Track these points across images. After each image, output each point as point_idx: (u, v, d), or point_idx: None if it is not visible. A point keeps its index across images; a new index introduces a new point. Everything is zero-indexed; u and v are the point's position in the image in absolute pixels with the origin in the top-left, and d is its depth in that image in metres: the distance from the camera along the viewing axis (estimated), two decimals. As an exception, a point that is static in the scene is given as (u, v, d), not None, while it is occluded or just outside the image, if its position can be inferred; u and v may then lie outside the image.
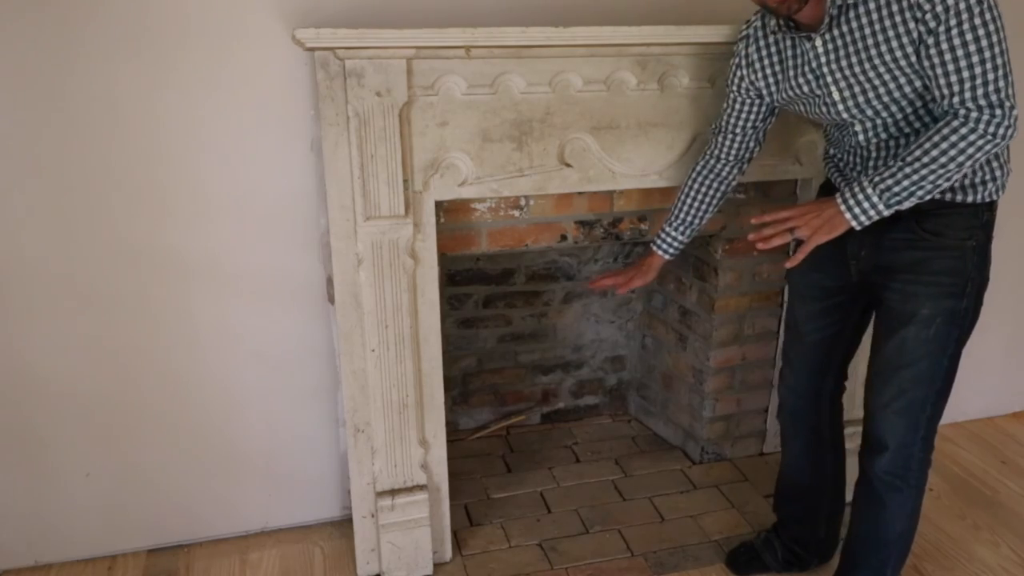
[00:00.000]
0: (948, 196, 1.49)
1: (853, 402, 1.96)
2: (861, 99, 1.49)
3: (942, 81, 1.36)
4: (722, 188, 1.81)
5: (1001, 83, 1.34)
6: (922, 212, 1.50)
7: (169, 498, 2.03)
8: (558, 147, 1.84)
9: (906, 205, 1.42)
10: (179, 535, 2.08)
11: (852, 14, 1.44)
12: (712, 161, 1.80)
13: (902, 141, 1.50)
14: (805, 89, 1.57)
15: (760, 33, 1.65)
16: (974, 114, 1.35)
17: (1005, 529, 2.20)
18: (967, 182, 1.49)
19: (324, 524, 2.17)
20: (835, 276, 1.69)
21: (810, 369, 1.82)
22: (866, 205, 1.43)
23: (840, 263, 1.65)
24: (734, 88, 1.72)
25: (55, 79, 1.66)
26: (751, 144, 1.77)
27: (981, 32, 1.32)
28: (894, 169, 1.40)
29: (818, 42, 1.51)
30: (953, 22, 1.32)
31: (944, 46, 1.34)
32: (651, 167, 1.92)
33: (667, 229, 1.86)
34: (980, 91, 1.34)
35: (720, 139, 1.78)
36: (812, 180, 2.06)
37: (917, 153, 1.39)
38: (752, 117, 1.73)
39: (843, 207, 1.45)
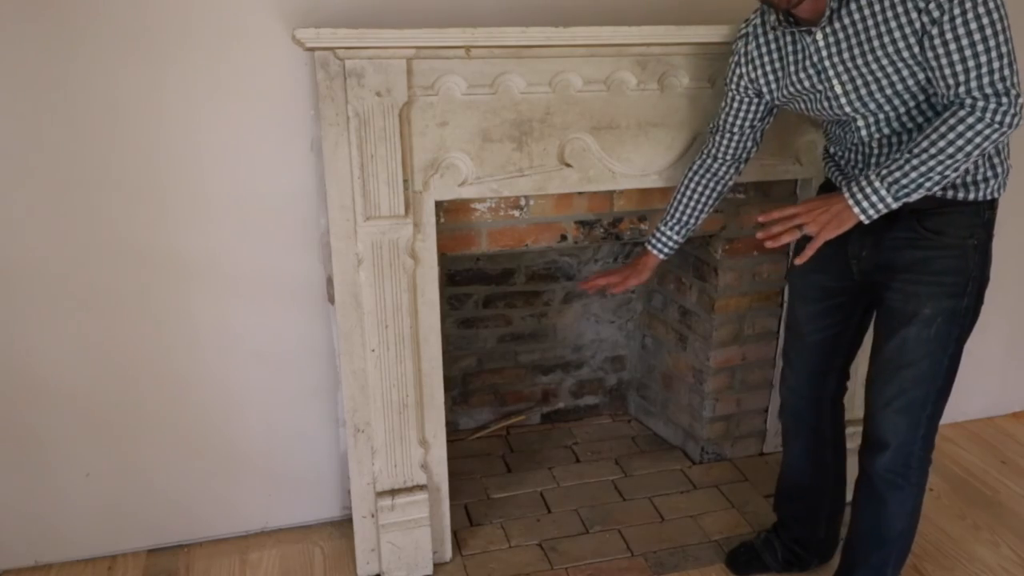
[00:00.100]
0: (949, 194, 1.49)
1: (853, 402, 1.96)
2: (863, 92, 1.48)
3: (947, 71, 1.36)
4: (718, 188, 1.81)
5: (1007, 71, 1.34)
6: (923, 211, 1.50)
7: (169, 498, 2.03)
8: (558, 147, 1.84)
9: (914, 197, 1.41)
10: (179, 535, 2.08)
11: (853, 6, 1.44)
12: (709, 160, 1.80)
13: (904, 137, 1.50)
14: (807, 84, 1.57)
15: (760, 30, 1.65)
16: (980, 103, 1.35)
17: (1005, 529, 2.20)
18: (968, 179, 1.49)
19: (324, 524, 2.17)
20: (836, 276, 1.69)
21: (812, 370, 1.82)
22: (874, 198, 1.42)
23: (841, 263, 1.65)
24: (732, 86, 1.72)
25: (55, 79, 1.66)
26: (748, 144, 1.77)
27: (985, 20, 1.32)
28: (901, 161, 1.40)
29: (819, 36, 1.50)
30: (957, 11, 1.32)
31: (948, 36, 1.34)
32: (651, 167, 1.92)
33: (662, 228, 1.85)
34: (986, 80, 1.34)
35: (717, 138, 1.77)
36: (812, 180, 2.06)
37: (924, 144, 1.38)
38: (750, 116, 1.72)
39: (851, 201, 1.44)
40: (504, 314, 2.57)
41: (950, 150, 1.36)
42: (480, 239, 1.94)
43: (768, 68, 1.64)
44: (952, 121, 1.36)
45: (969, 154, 1.37)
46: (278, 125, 1.81)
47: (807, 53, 1.54)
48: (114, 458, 1.96)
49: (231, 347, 1.95)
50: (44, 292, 1.80)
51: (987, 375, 2.68)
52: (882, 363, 1.62)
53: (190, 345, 1.92)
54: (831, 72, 1.51)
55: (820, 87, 1.54)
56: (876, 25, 1.42)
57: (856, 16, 1.44)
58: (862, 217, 1.44)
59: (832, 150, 1.67)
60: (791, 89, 1.61)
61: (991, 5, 1.32)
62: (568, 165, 1.85)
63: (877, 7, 1.41)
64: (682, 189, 1.83)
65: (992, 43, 1.33)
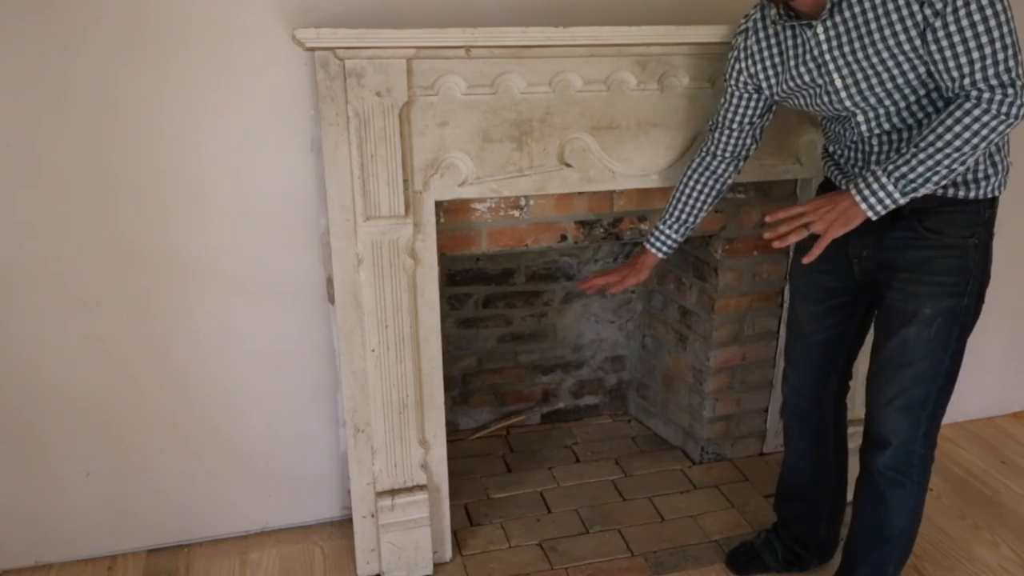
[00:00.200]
0: (950, 192, 1.49)
1: (855, 401, 1.96)
2: (864, 86, 1.48)
3: (951, 63, 1.35)
4: (718, 186, 1.80)
5: (1011, 63, 1.33)
6: (923, 210, 1.50)
7: (169, 498, 2.03)
8: (558, 147, 1.84)
9: (921, 192, 1.41)
10: (179, 535, 2.08)
11: None
12: (708, 158, 1.79)
13: (904, 134, 1.49)
14: (807, 79, 1.56)
15: (760, 25, 1.64)
16: (986, 95, 1.34)
17: (1005, 529, 2.20)
18: (968, 176, 1.48)
19: (324, 524, 2.17)
20: (837, 276, 1.69)
21: (813, 370, 1.82)
22: (881, 194, 1.41)
23: (842, 263, 1.65)
24: (732, 82, 1.71)
25: (55, 79, 1.66)
26: (748, 141, 1.77)
27: (988, 12, 1.31)
28: (908, 156, 1.39)
29: (819, 29, 1.50)
30: (960, 3, 1.32)
31: (952, 28, 1.33)
32: (651, 167, 1.92)
33: (661, 227, 1.85)
34: (991, 71, 1.33)
35: (717, 135, 1.77)
36: (812, 180, 2.06)
37: (931, 138, 1.37)
38: (750, 112, 1.72)
39: (858, 198, 1.43)
40: (504, 314, 2.57)
41: (957, 143, 1.36)
42: (480, 239, 1.94)
43: (768, 63, 1.64)
44: (958, 114, 1.35)
45: (976, 147, 1.36)
46: (278, 125, 1.81)
47: (807, 47, 1.54)
48: (114, 458, 1.96)
49: (231, 347, 1.95)
50: (44, 292, 1.80)
51: (987, 375, 2.68)
52: (883, 362, 1.62)
53: (190, 345, 1.92)
54: (831, 66, 1.50)
55: (820, 81, 1.54)
56: (877, 18, 1.41)
57: (857, 9, 1.43)
58: (870, 214, 1.43)
59: (831, 149, 1.67)
60: (791, 84, 1.60)
61: None
62: (568, 165, 1.85)
63: (879, 0, 1.41)
64: (681, 187, 1.82)
65: (996, 34, 1.32)
